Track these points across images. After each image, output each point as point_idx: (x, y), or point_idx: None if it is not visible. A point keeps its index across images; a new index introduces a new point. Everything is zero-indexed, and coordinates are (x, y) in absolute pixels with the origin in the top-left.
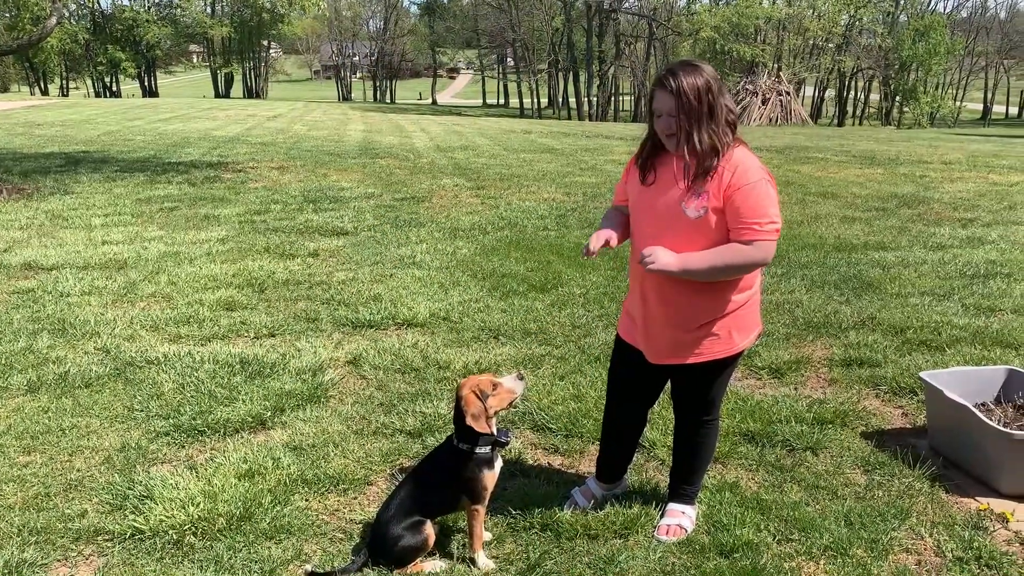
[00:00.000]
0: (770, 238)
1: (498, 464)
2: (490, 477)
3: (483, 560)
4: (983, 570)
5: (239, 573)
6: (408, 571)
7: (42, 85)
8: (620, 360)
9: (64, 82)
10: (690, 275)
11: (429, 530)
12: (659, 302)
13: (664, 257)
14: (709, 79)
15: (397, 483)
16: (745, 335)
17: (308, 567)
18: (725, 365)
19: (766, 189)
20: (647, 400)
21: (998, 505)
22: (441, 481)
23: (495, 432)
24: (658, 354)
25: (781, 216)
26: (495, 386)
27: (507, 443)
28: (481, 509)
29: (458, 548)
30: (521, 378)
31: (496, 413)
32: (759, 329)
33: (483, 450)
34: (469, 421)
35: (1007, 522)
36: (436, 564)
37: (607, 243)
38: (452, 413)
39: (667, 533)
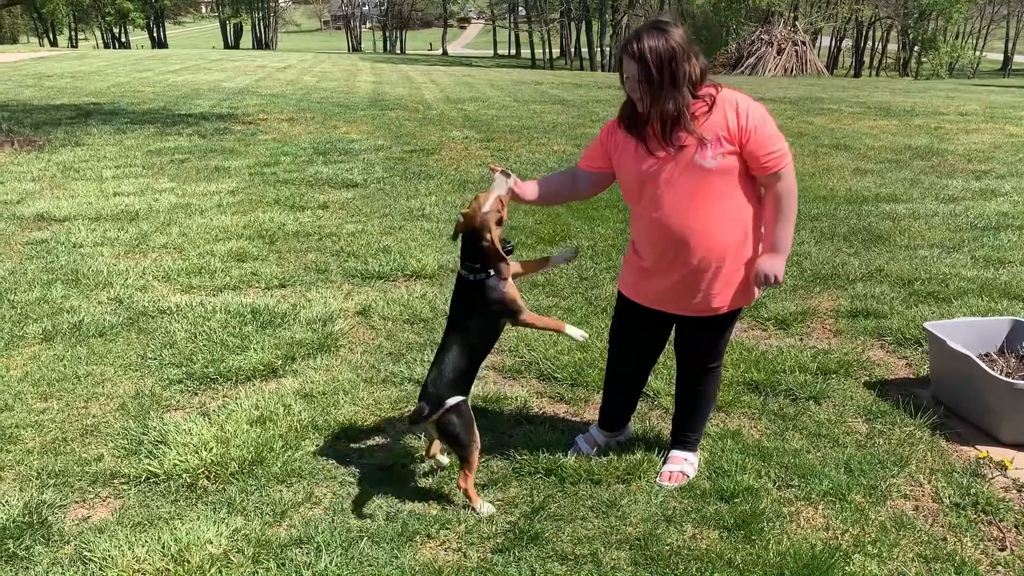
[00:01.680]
0: (789, 160)
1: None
2: (513, 286)
3: (570, 329)
4: (979, 515)
5: (251, 514)
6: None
7: (51, 36)
8: (623, 316)
9: (73, 33)
10: (788, 243)
11: (467, 407)
12: (700, 266)
13: (774, 266)
14: (674, 45)
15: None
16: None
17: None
18: (736, 315)
19: (770, 119)
20: (651, 354)
21: (997, 453)
22: (482, 320)
23: (502, 247)
24: (680, 307)
25: None
26: (500, 201)
27: (511, 250)
28: (528, 316)
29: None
30: (506, 174)
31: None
32: None
33: (501, 269)
34: (488, 252)
35: (1005, 470)
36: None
37: (515, 193)
38: (460, 250)
39: (669, 479)
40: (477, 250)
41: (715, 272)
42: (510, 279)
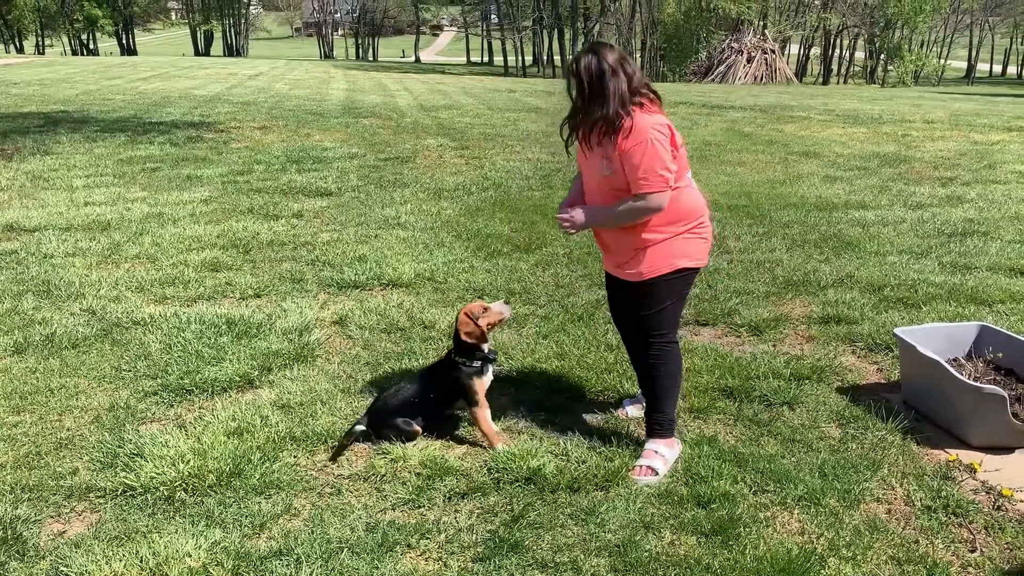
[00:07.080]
0: (657, 189)
1: (488, 375)
2: (480, 384)
3: (500, 446)
4: (950, 518)
5: (230, 527)
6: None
7: (17, 43)
8: (607, 286)
9: (40, 40)
10: (599, 225)
11: (416, 427)
12: (602, 239)
13: (578, 218)
14: (606, 64)
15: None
16: (659, 268)
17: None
18: (660, 288)
19: (650, 148)
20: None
21: (967, 456)
22: (440, 384)
23: (486, 351)
24: (617, 273)
25: (671, 168)
26: (485, 309)
27: (494, 360)
28: (479, 411)
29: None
30: (507, 303)
31: (490, 331)
32: (687, 263)
33: (475, 364)
34: (464, 337)
35: (975, 472)
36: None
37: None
38: (451, 342)
39: (639, 473)
40: (456, 337)
41: (623, 251)
42: (486, 378)
